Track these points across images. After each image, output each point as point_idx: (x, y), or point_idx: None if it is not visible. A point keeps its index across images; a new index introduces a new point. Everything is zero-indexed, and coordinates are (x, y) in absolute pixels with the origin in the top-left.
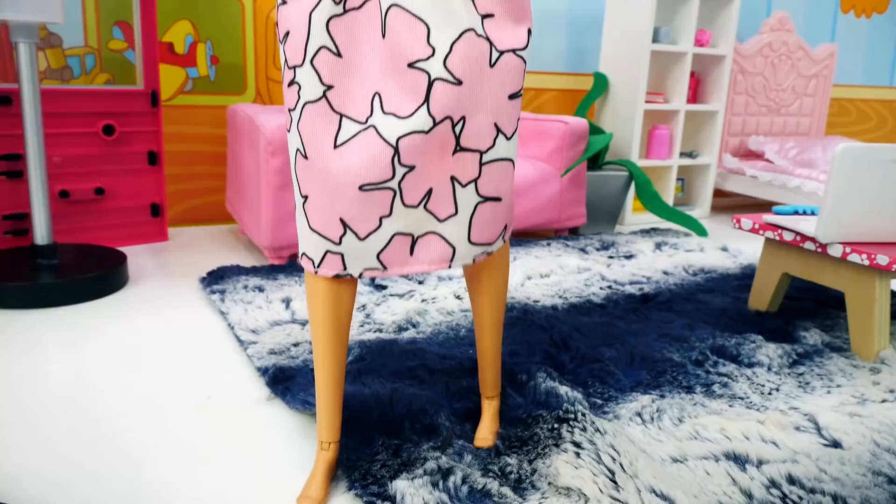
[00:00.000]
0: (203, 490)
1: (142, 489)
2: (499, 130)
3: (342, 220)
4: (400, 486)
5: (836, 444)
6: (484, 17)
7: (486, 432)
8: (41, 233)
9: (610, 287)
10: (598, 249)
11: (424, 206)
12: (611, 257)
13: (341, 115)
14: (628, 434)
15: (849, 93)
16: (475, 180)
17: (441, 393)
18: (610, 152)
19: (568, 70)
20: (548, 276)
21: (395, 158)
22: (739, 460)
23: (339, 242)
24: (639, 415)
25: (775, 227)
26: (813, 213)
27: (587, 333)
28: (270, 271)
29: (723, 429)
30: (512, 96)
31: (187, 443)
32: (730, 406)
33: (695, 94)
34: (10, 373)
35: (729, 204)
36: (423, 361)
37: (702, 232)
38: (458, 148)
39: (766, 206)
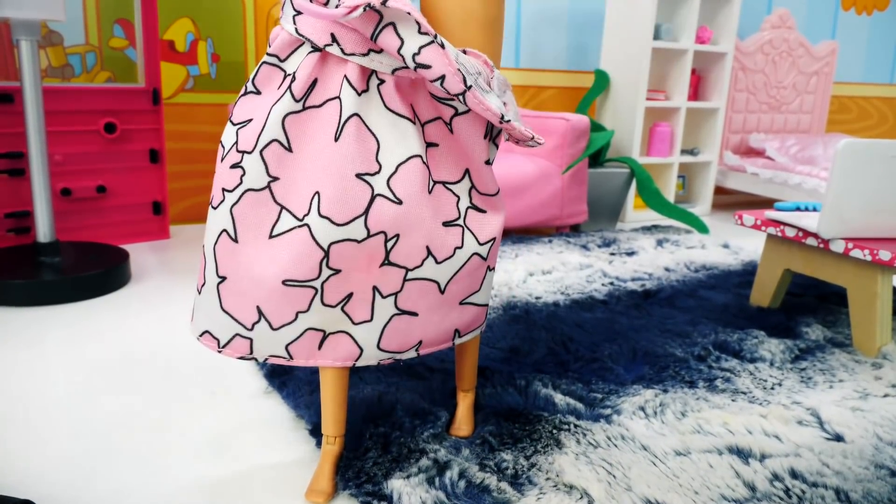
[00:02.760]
0: (207, 485)
1: (145, 485)
2: (430, 253)
3: (258, 309)
4: (396, 484)
5: (838, 438)
6: (429, 145)
7: (462, 422)
8: (43, 230)
9: (612, 283)
10: (599, 246)
11: (342, 308)
12: (612, 254)
13: (282, 207)
14: (628, 429)
15: (849, 90)
16: (395, 294)
17: (437, 390)
18: (611, 149)
19: (569, 67)
20: (549, 273)
21: (324, 261)
22: (742, 454)
23: (251, 328)
24: (642, 409)
25: (777, 223)
26: (815, 210)
27: (589, 329)
28: None
29: (725, 423)
30: (447, 223)
31: (191, 438)
32: (732, 400)
33: (696, 92)
34: (12, 370)
35: (730, 201)
36: (422, 359)
37: (703, 229)
38: (386, 262)
39: (766, 203)
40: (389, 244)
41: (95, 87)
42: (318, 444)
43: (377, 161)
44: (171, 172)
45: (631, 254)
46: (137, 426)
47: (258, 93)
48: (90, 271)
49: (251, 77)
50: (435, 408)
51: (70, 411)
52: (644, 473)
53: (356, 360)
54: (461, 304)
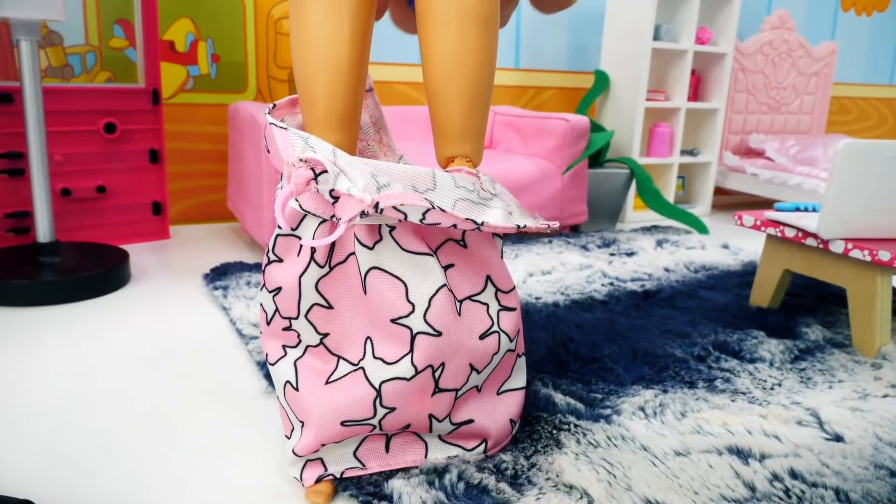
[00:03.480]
0: (207, 485)
1: (145, 485)
2: (472, 368)
3: (322, 444)
4: (396, 485)
5: (838, 438)
6: (446, 268)
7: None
8: (43, 231)
9: (612, 284)
10: (599, 247)
11: (402, 430)
12: (612, 254)
13: (339, 357)
14: (628, 429)
15: (849, 91)
16: (449, 414)
17: None
18: (611, 150)
19: (569, 68)
20: (549, 273)
21: (377, 401)
22: (742, 454)
23: (317, 450)
24: (642, 409)
25: (777, 223)
26: (814, 210)
27: (589, 329)
28: None
29: (725, 423)
30: (482, 336)
31: (190, 439)
32: (732, 401)
33: (695, 92)
34: (11, 370)
35: (730, 202)
36: None
37: (703, 229)
38: (437, 390)
39: (766, 203)
40: (437, 373)
41: (95, 88)
42: None
43: (409, 302)
44: (170, 173)
45: (631, 254)
46: (137, 426)
47: (281, 261)
48: (90, 271)
49: (270, 247)
50: None
51: (70, 411)
52: (644, 473)
53: (425, 455)
54: (499, 393)
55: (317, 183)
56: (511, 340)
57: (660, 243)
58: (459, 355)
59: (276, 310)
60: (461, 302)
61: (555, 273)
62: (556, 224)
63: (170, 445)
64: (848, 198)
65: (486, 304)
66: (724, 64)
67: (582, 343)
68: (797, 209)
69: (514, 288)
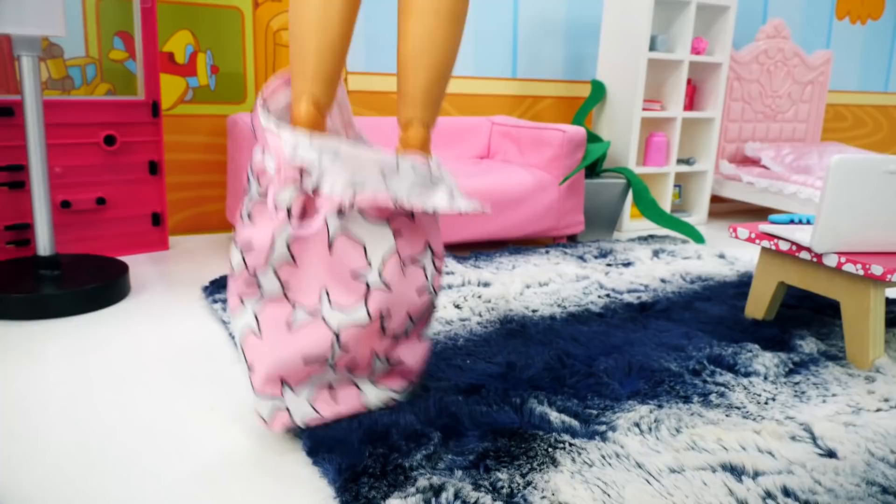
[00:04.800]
0: (206, 499)
1: (144, 499)
2: (410, 319)
3: (282, 380)
4: None
5: (830, 454)
6: (394, 232)
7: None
8: (43, 243)
9: (608, 295)
10: (596, 257)
11: (348, 370)
12: (609, 265)
13: (295, 305)
14: (623, 446)
15: (844, 99)
16: (388, 354)
17: (432, 408)
18: (607, 160)
19: (565, 78)
20: (546, 285)
21: (336, 342)
22: (736, 471)
23: (282, 396)
24: (637, 425)
25: (771, 236)
26: (809, 223)
27: (585, 343)
28: None
29: (719, 439)
30: (419, 292)
31: (190, 453)
32: (726, 416)
33: (691, 102)
34: (11, 384)
35: (726, 210)
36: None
37: (699, 239)
38: (383, 334)
39: (762, 212)
40: (384, 321)
41: (95, 100)
42: (315, 462)
43: (367, 261)
44: (170, 183)
45: (627, 265)
46: (136, 440)
47: (253, 222)
48: (90, 284)
49: (244, 212)
50: (427, 429)
51: (70, 425)
52: (638, 492)
53: (366, 406)
54: (420, 338)
55: (301, 183)
56: (437, 296)
57: (656, 253)
58: (402, 307)
59: (244, 263)
60: (405, 262)
61: (552, 284)
62: (487, 207)
63: (169, 460)
64: (841, 212)
65: (424, 266)
66: (719, 73)
67: (578, 357)
68: (791, 221)
69: (444, 253)
